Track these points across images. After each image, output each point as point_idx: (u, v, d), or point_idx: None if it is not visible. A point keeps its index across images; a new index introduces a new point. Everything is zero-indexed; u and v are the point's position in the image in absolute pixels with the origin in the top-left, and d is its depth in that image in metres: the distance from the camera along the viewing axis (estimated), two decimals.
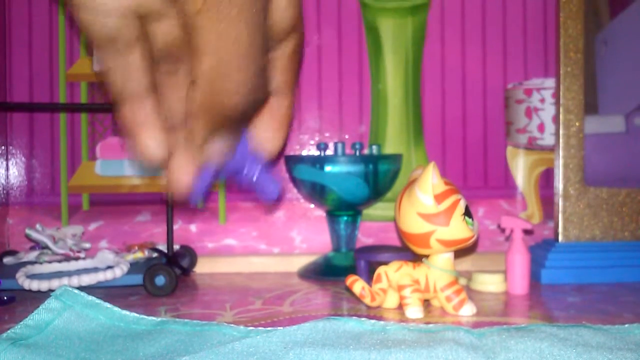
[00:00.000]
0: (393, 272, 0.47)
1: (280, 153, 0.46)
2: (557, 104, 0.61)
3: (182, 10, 0.33)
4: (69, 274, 0.55)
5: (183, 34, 0.37)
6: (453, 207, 0.45)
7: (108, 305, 0.42)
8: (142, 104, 0.38)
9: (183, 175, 0.37)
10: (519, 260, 0.54)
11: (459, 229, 0.45)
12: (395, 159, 0.62)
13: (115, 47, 0.38)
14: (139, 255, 0.60)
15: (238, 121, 0.36)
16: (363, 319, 0.39)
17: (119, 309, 0.42)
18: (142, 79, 0.39)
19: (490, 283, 0.54)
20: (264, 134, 0.41)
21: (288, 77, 0.41)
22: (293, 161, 0.62)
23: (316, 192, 0.61)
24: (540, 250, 0.60)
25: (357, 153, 0.62)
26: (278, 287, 0.57)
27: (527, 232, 0.56)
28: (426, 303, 0.49)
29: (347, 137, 0.69)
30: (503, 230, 0.55)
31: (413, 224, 0.46)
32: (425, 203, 0.45)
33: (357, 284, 0.48)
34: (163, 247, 0.61)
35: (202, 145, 0.37)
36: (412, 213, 0.46)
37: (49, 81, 0.68)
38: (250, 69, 0.35)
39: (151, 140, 0.37)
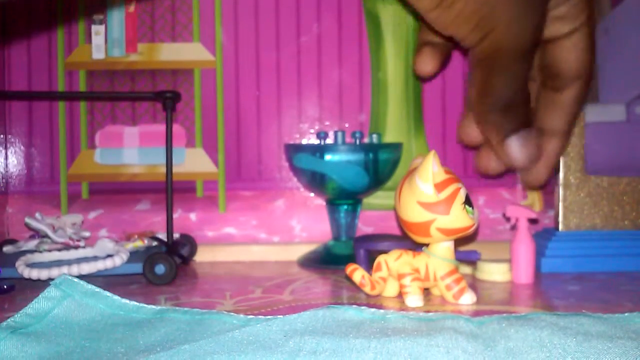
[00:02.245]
0: (393, 261, 0.47)
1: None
2: None
3: None
4: (68, 262, 0.55)
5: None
6: (453, 196, 0.45)
7: (108, 293, 0.42)
8: (519, 113, 0.48)
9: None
10: (524, 250, 0.54)
11: (459, 218, 0.45)
12: (396, 147, 0.62)
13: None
14: (139, 243, 0.60)
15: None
16: (363, 307, 0.39)
17: (119, 298, 0.42)
18: (525, 88, 0.48)
19: (496, 272, 0.54)
20: (535, 168, 0.51)
21: (566, 120, 0.50)
22: (293, 150, 0.62)
23: (316, 181, 0.61)
24: (541, 239, 0.60)
25: (358, 142, 0.62)
26: (278, 276, 0.57)
27: (532, 221, 0.56)
28: (426, 292, 0.49)
29: (347, 125, 0.69)
30: (508, 219, 0.55)
31: (413, 213, 0.46)
32: (426, 192, 0.45)
33: (357, 273, 0.48)
34: (163, 236, 0.60)
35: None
36: (412, 202, 0.46)
37: (48, 69, 0.67)
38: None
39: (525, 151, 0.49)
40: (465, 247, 0.65)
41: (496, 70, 0.46)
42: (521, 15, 0.45)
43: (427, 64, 0.56)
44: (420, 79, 0.59)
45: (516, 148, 0.48)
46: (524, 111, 0.48)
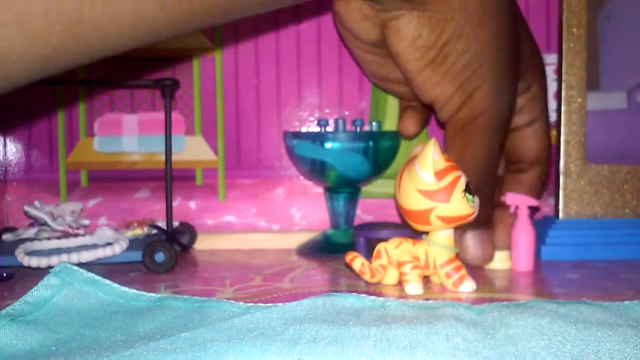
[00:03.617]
0: (393, 249, 0.47)
1: None
2: (559, 80, 0.60)
3: None
4: (68, 250, 0.55)
5: None
6: (453, 184, 0.45)
7: (107, 281, 0.42)
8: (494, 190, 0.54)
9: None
10: (525, 238, 0.54)
11: (459, 206, 0.45)
12: (396, 135, 0.62)
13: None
14: (138, 231, 0.59)
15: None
16: (362, 295, 0.39)
17: (119, 286, 0.42)
18: (496, 167, 0.53)
19: (496, 260, 0.54)
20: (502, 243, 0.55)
21: (531, 195, 0.55)
22: (293, 137, 0.61)
23: (316, 169, 0.61)
24: (541, 227, 0.60)
25: (358, 129, 0.61)
26: (278, 264, 0.57)
27: (532, 208, 0.56)
28: (426, 279, 0.49)
29: (347, 113, 0.68)
30: (508, 207, 0.55)
31: (413, 201, 0.46)
32: (426, 180, 0.45)
33: (357, 261, 0.48)
34: (162, 224, 0.60)
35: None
36: (412, 190, 0.45)
37: None
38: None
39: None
40: None
41: (474, 141, 0.49)
42: (502, 82, 0.49)
43: (411, 126, 0.62)
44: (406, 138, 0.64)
45: (473, 244, 0.51)
46: (490, 201, 0.52)
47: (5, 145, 0.67)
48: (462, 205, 0.45)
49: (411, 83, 0.51)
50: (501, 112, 0.50)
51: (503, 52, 0.49)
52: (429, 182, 0.45)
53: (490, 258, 0.52)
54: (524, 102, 0.54)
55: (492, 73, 0.48)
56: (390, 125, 0.67)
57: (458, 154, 0.49)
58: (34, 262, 0.51)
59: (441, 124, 0.55)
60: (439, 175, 0.45)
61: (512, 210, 0.55)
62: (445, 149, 0.51)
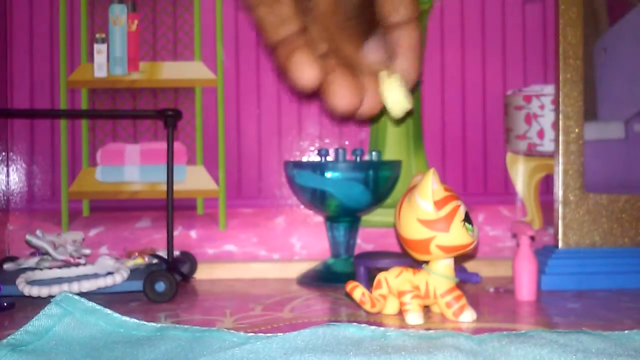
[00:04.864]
0: (393, 278, 0.47)
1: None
2: (556, 110, 0.61)
3: None
4: (69, 280, 0.55)
5: None
6: (453, 213, 0.45)
7: (108, 311, 0.42)
8: (294, 44, 0.43)
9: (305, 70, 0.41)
10: (527, 267, 0.54)
11: (458, 235, 0.45)
12: (395, 165, 0.62)
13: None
14: (139, 261, 0.60)
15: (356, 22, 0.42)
16: (363, 325, 0.39)
17: (119, 315, 0.41)
18: (292, 24, 0.43)
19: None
20: (403, 66, 0.45)
21: (408, 10, 0.45)
22: (293, 167, 0.62)
23: (317, 198, 0.61)
24: (540, 256, 0.60)
25: (358, 159, 0.62)
26: (278, 293, 0.57)
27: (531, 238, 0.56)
28: (426, 309, 0.49)
29: (347, 143, 0.69)
30: (514, 236, 0.55)
31: (413, 230, 0.46)
32: (425, 209, 0.45)
33: (357, 290, 0.48)
34: (163, 253, 0.61)
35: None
36: (412, 219, 0.46)
37: (50, 87, 0.68)
38: None
39: (305, 68, 0.41)
40: (466, 264, 0.65)
41: None
42: None
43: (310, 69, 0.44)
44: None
45: (375, 51, 0.44)
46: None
47: (7, 175, 0.68)
48: (462, 235, 0.45)
49: None
50: None
51: None
52: (429, 211, 0.45)
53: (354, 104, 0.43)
54: None
55: None
56: (390, 155, 0.68)
57: None
58: (35, 291, 0.51)
59: None
60: (439, 204, 0.45)
61: (519, 240, 0.54)
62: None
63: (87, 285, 0.52)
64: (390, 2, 0.45)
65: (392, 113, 0.44)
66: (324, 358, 0.34)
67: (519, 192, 0.69)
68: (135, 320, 0.41)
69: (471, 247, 0.46)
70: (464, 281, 0.51)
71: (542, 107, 0.64)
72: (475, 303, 0.52)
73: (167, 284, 0.54)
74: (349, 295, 0.49)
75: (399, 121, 0.68)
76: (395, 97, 0.44)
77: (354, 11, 0.42)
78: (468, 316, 0.47)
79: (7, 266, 0.60)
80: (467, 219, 0.46)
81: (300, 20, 0.44)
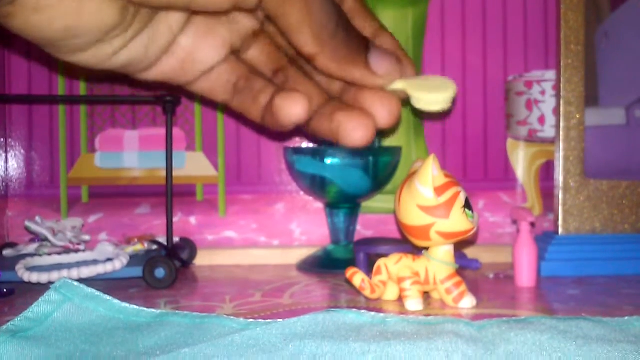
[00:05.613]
0: (393, 265, 0.47)
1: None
2: (557, 96, 0.61)
3: None
4: (68, 266, 0.55)
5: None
6: (453, 200, 0.45)
7: (108, 297, 0.42)
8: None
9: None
10: (527, 254, 0.54)
11: (459, 221, 0.45)
12: (395, 151, 0.62)
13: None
14: (139, 247, 0.60)
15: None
16: (363, 311, 0.39)
17: (119, 302, 0.41)
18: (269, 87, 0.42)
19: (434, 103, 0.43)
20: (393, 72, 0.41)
21: (375, 21, 0.44)
22: (293, 153, 0.62)
23: (316, 185, 0.61)
24: (541, 243, 0.60)
25: None
26: (278, 280, 0.57)
27: (531, 224, 0.56)
28: (426, 295, 0.49)
29: None
30: (515, 222, 0.55)
31: (413, 216, 0.46)
32: (425, 195, 0.45)
33: (357, 277, 0.48)
34: (163, 240, 0.60)
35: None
36: (412, 205, 0.46)
37: (48, 73, 0.68)
38: None
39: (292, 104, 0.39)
40: (466, 251, 0.65)
41: None
42: None
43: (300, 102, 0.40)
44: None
45: (383, 60, 0.40)
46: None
47: (6, 161, 0.68)
48: (462, 221, 0.45)
49: None
50: None
51: None
52: (429, 197, 0.45)
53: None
54: None
55: None
56: (390, 141, 0.68)
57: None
58: (34, 277, 0.51)
59: None
60: (439, 191, 0.45)
61: (519, 225, 0.54)
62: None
63: (87, 272, 0.52)
64: (359, 17, 0.43)
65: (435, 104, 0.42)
66: (324, 344, 0.34)
67: (519, 178, 0.69)
68: (135, 307, 0.41)
69: (471, 233, 0.46)
70: (464, 267, 0.51)
71: (543, 93, 0.64)
72: (475, 289, 0.52)
73: (166, 270, 0.54)
74: (348, 282, 0.49)
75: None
76: (431, 101, 0.42)
77: (341, 33, 0.39)
78: (468, 302, 0.47)
79: (7, 252, 0.60)
80: (468, 205, 0.46)
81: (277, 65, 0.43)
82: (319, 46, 0.37)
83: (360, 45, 0.40)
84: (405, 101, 0.44)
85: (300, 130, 0.43)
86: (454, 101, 0.59)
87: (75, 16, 0.32)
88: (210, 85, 0.42)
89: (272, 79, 0.43)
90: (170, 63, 0.40)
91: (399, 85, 0.41)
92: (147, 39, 0.37)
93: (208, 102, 0.68)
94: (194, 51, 0.40)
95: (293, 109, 0.39)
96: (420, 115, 0.47)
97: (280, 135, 0.68)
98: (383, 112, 0.40)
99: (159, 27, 0.38)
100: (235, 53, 0.42)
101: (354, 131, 0.39)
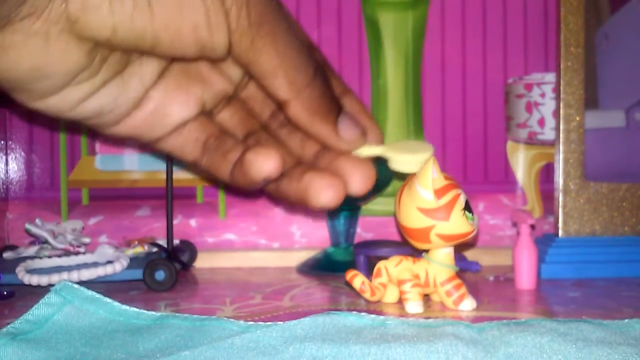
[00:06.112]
0: (393, 267, 0.47)
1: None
2: (557, 98, 0.61)
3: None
4: (68, 268, 0.55)
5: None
6: (453, 202, 0.45)
7: (108, 300, 0.42)
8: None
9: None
10: (527, 256, 0.54)
11: (459, 224, 0.45)
12: None
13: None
14: (139, 250, 0.60)
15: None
16: (363, 313, 0.39)
17: (119, 304, 0.42)
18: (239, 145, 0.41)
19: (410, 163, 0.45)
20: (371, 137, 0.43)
21: (337, 79, 0.44)
22: None
23: None
24: (541, 245, 0.60)
25: None
26: (278, 282, 0.57)
27: (531, 226, 0.56)
28: (426, 298, 0.49)
29: None
30: (515, 225, 0.55)
31: (413, 219, 0.46)
32: (425, 198, 0.45)
33: (357, 279, 0.48)
34: (163, 242, 0.61)
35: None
36: (412, 208, 0.46)
37: None
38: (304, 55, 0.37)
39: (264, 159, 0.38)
40: (466, 253, 0.65)
41: (277, 33, 0.36)
42: None
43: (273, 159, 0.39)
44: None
45: (351, 127, 0.40)
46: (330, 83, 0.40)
47: (6, 163, 0.68)
48: (462, 223, 0.45)
49: None
50: None
51: None
52: (429, 200, 0.45)
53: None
54: None
55: None
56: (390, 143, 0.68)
57: (275, 59, 0.36)
58: (34, 280, 0.51)
59: None
60: (439, 193, 0.45)
61: (519, 228, 0.54)
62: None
63: (87, 274, 0.52)
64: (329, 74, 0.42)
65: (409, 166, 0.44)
66: (324, 346, 0.34)
67: (519, 181, 0.69)
68: (135, 309, 0.41)
69: (471, 235, 0.46)
70: (464, 270, 0.51)
71: (543, 95, 0.64)
72: (475, 292, 0.52)
73: (166, 273, 0.54)
74: (348, 284, 0.49)
75: (400, 114, 0.68)
76: (405, 163, 0.44)
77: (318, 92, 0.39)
78: (468, 305, 0.47)
79: (7, 255, 0.60)
80: (468, 207, 0.46)
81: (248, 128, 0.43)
82: (294, 92, 0.37)
83: (334, 106, 0.39)
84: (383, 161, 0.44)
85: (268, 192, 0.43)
86: (455, 103, 0.60)
87: (41, 56, 0.32)
88: (180, 142, 0.41)
89: (243, 141, 0.42)
90: (140, 117, 0.39)
91: (374, 150, 0.42)
92: (116, 89, 0.37)
93: None
94: (165, 106, 0.39)
95: (265, 163, 0.38)
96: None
97: None
98: (358, 179, 0.41)
99: (131, 78, 0.37)
100: (207, 113, 0.42)
101: (323, 191, 0.39)
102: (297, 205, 0.40)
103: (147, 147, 0.42)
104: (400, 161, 0.44)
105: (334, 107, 0.39)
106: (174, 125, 0.40)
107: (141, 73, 0.38)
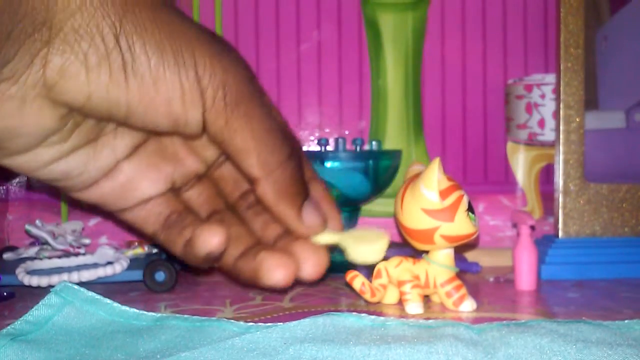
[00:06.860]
0: (393, 268, 0.47)
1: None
2: (557, 99, 0.61)
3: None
4: (68, 269, 0.55)
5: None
6: (457, 203, 0.45)
7: (108, 301, 0.42)
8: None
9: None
10: (527, 257, 0.54)
11: (463, 225, 0.45)
12: (396, 154, 0.62)
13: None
14: (139, 251, 0.60)
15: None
16: (363, 314, 0.39)
17: (119, 305, 0.42)
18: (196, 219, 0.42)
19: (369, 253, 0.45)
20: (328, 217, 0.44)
21: (308, 165, 0.46)
22: None
23: None
24: (541, 246, 0.60)
25: (358, 149, 0.62)
26: None
27: (531, 227, 0.56)
28: (426, 299, 0.49)
29: (347, 132, 0.69)
30: (515, 225, 0.55)
31: (417, 220, 0.46)
32: (430, 199, 0.45)
33: (357, 280, 0.48)
34: None
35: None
36: (416, 209, 0.45)
37: None
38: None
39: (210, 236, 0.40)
40: (466, 254, 0.65)
41: (253, 115, 0.37)
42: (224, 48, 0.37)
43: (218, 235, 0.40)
44: None
45: (314, 214, 0.42)
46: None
47: None
48: (466, 224, 0.45)
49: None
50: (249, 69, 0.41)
51: None
52: (434, 201, 0.45)
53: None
54: None
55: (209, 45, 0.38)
56: (390, 144, 0.68)
57: (254, 132, 0.37)
58: (34, 281, 0.51)
59: None
60: (443, 194, 0.45)
61: (519, 229, 0.54)
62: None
63: (87, 275, 0.52)
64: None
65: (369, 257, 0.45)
66: (324, 347, 0.34)
67: (519, 182, 0.69)
68: (135, 310, 0.41)
69: (474, 236, 0.46)
70: (464, 271, 0.51)
71: (542, 96, 0.64)
72: (475, 292, 0.52)
73: (167, 274, 0.54)
74: (348, 285, 0.49)
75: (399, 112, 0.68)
76: (364, 254, 0.44)
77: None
78: (468, 306, 0.47)
79: (7, 256, 0.60)
80: (470, 208, 0.46)
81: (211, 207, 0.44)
82: (265, 172, 0.38)
83: (302, 190, 0.41)
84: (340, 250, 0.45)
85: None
86: (455, 104, 0.60)
87: (15, 118, 0.32)
88: (142, 216, 0.42)
89: (206, 220, 0.43)
90: (108, 187, 0.40)
91: (332, 238, 0.43)
92: (87, 156, 0.38)
93: None
94: (135, 180, 0.40)
95: (209, 239, 0.39)
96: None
97: None
98: (311, 264, 0.42)
99: (103, 148, 0.38)
100: (175, 190, 0.43)
101: (275, 270, 0.40)
102: (250, 284, 0.41)
103: (110, 215, 0.44)
104: (358, 252, 0.44)
105: (302, 192, 0.41)
106: (140, 199, 0.41)
107: (114, 144, 0.38)
